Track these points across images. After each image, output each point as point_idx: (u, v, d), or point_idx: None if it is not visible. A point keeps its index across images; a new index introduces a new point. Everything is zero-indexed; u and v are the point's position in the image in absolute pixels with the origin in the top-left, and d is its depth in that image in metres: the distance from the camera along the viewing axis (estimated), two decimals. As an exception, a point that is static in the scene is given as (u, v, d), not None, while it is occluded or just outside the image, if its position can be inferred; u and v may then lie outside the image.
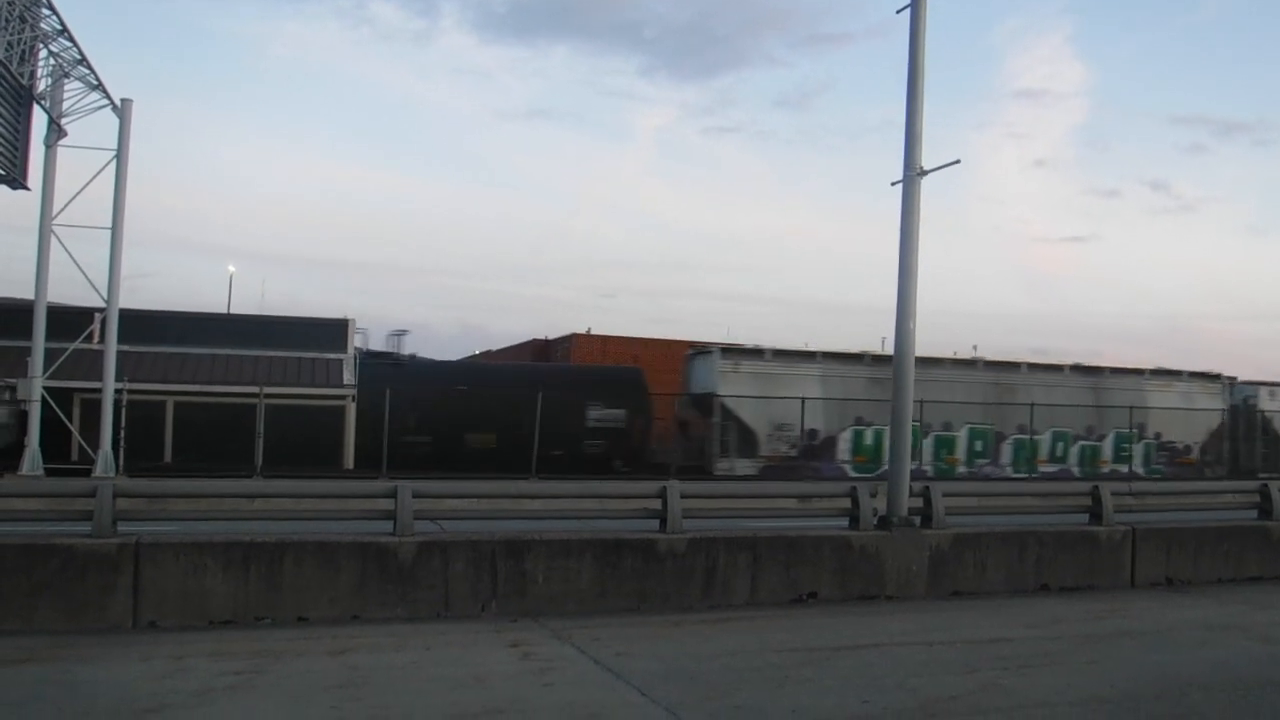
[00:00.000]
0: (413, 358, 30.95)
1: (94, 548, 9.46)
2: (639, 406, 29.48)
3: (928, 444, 29.75)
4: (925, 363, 28.57)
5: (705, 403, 29.02)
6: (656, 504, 11.28)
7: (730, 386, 28.87)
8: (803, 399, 29.00)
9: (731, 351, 29.74)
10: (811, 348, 31.00)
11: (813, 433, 29.43)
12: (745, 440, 28.85)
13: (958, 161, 11.99)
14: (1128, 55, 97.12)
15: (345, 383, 27.85)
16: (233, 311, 35.81)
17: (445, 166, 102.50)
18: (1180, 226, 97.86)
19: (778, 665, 8.37)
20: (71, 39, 22.06)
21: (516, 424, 26.64)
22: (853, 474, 28.21)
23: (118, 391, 23.97)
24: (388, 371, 27.82)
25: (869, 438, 29.39)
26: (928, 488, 12.46)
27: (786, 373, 29.49)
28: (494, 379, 30.88)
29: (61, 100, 23.15)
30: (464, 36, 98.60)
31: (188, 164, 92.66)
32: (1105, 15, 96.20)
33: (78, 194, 23.25)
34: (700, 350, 31.26)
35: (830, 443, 29.63)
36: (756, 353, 29.84)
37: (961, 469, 30.36)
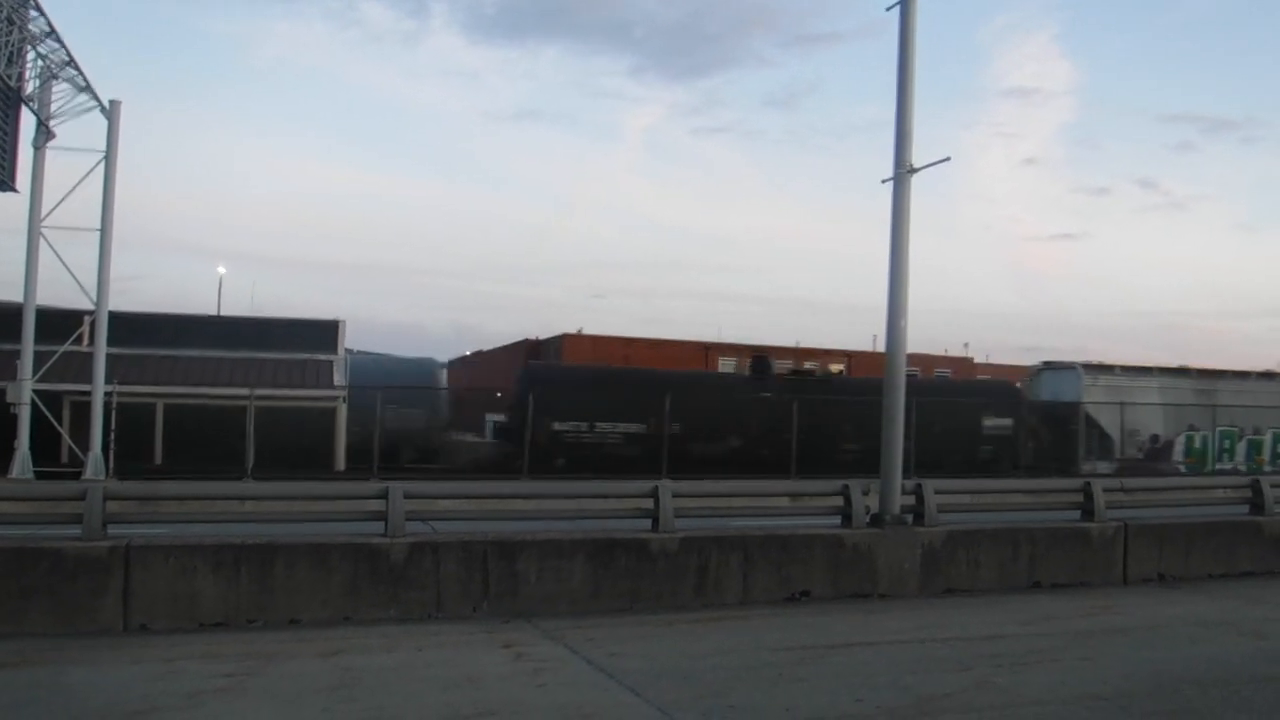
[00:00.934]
0: (841, 374, 36.98)
1: (84, 550, 9.42)
2: (1020, 416, 33.05)
3: (1241, 447, 33.57)
4: (1237, 375, 34.31)
5: (1061, 411, 32.50)
6: (648, 503, 11.25)
7: (1091, 398, 32.72)
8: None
9: (1090, 368, 33.89)
10: (1149, 364, 35.56)
11: (1155, 437, 33.28)
12: (1103, 445, 32.61)
13: (948, 159, 12.03)
14: (1116, 53, 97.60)
15: (336, 384, 27.76)
16: (223, 313, 35.73)
17: (436, 167, 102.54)
18: (1170, 224, 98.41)
19: (771, 664, 8.36)
20: (60, 40, 21.93)
21: (919, 432, 29.17)
22: (1184, 473, 31.57)
23: (108, 394, 23.82)
24: (801, 384, 31.35)
25: (1198, 442, 33.68)
26: (919, 485, 12.46)
27: (1132, 385, 33.40)
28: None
29: (50, 102, 23.00)
30: (453, 37, 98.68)
31: (177, 165, 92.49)
32: (1093, 13, 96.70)
33: (66, 196, 23.09)
34: (1051, 365, 35.03)
35: (1169, 446, 33.19)
36: (1108, 368, 34.11)
37: (1267, 467, 33.38)
